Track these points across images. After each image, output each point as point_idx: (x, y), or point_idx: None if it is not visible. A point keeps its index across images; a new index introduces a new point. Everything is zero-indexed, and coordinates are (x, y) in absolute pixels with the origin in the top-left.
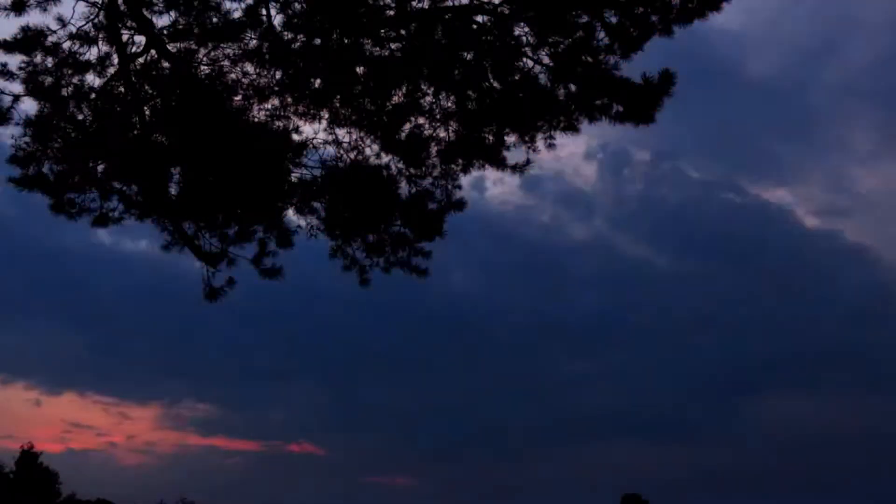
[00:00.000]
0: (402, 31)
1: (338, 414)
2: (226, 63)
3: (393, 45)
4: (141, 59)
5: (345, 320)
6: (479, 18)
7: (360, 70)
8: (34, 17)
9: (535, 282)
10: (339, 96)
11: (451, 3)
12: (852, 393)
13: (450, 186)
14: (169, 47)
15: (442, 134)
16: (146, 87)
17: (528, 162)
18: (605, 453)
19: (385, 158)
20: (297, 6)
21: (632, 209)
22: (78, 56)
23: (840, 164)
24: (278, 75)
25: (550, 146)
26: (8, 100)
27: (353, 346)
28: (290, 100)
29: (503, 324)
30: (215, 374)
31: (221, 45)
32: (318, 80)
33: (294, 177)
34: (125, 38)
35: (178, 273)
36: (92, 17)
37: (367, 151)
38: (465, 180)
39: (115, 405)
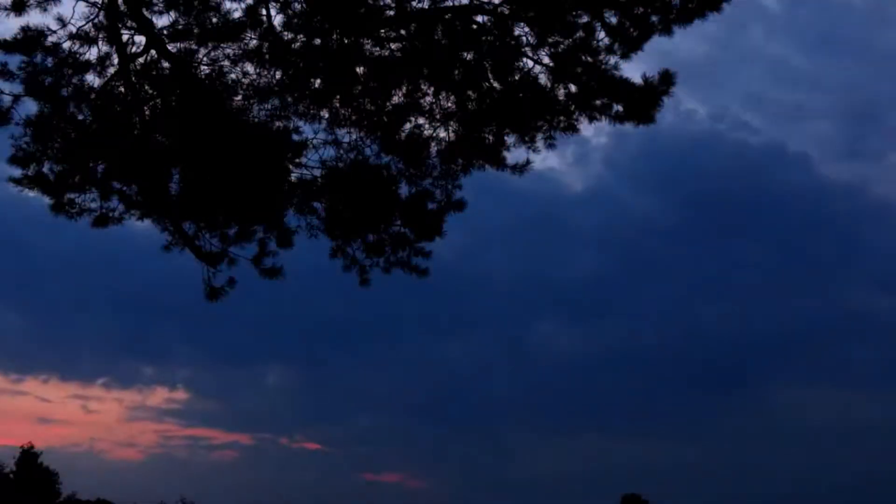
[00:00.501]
0: (402, 31)
1: (323, 402)
2: (226, 63)
3: (393, 45)
4: (141, 59)
5: (314, 293)
6: (479, 18)
7: (360, 70)
8: (34, 17)
9: (527, 240)
10: (339, 96)
11: (451, 3)
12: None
13: (450, 186)
14: (169, 47)
15: (442, 134)
16: (146, 87)
17: (528, 162)
18: (605, 448)
19: (385, 158)
20: (297, 6)
21: (630, 154)
22: (78, 56)
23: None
24: (278, 75)
25: (550, 146)
26: (8, 100)
27: (325, 321)
28: (290, 100)
29: (491, 290)
30: (182, 358)
31: (221, 45)
32: (318, 80)
33: (294, 177)
34: (125, 38)
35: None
36: (92, 17)
37: (367, 151)
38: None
39: (81, 395)
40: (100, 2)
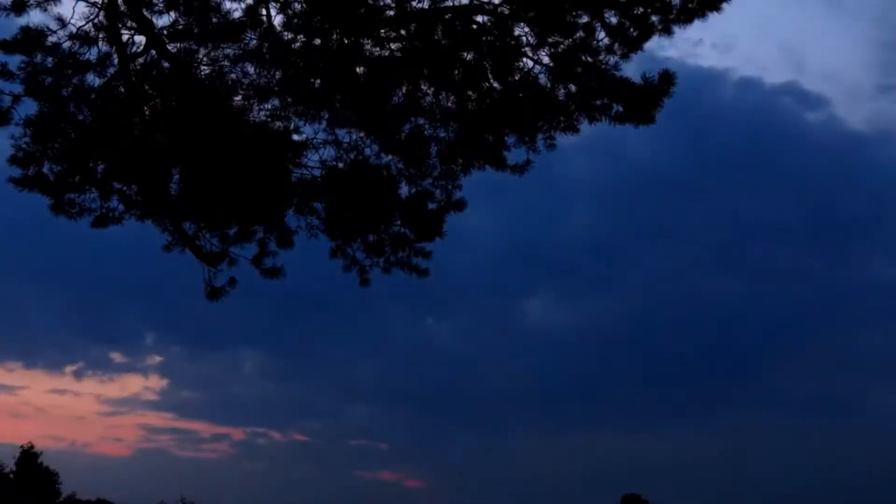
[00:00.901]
0: (402, 31)
1: (314, 394)
2: (226, 63)
3: (393, 45)
4: (141, 59)
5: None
6: (479, 18)
7: (360, 70)
8: (34, 17)
9: (513, 193)
10: (339, 96)
11: (451, 3)
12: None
13: (450, 186)
14: (169, 47)
15: (442, 134)
16: (146, 87)
17: (528, 162)
18: (605, 446)
19: (385, 158)
20: (297, 6)
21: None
22: (78, 56)
23: None
24: (278, 75)
25: (550, 146)
26: (8, 100)
27: (305, 301)
28: (290, 100)
29: (480, 258)
30: (150, 342)
31: (221, 45)
32: (318, 80)
33: (294, 177)
34: (125, 38)
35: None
36: (92, 17)
37: (367, 151)
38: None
39: (52, 386)
40: (100, 2)
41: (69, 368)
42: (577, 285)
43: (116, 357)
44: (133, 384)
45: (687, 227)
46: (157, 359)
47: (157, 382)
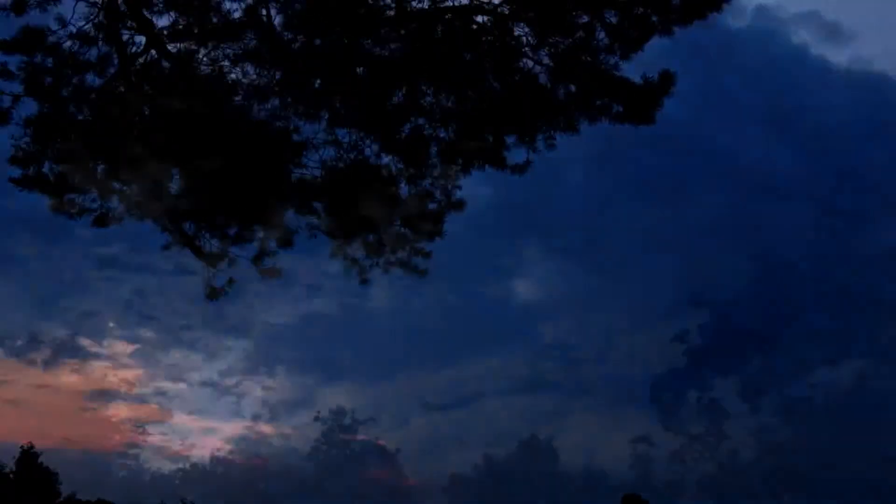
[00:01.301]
0: (402, 31)
1: (305, 383)
2: (226, 63)
3: (393, 45)
4: (141, 59)
5: None
6: (479, 18)
7: (360, 70)
8: (34, 17)
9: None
10: (339, 96)
11: (451, 3)
12: None
13: (450, 186)
14: (169, 47)
15: (442, 134)
16: (146, 87)
17: (528, 162)
18: (606, 442)
19: (385, 158)
20: (297, 6)
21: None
22: (78, 56)
23: None
24: (278, 75)
25: (550, 146)
26: (8, 100)
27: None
28: (290, 100)
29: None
30: (114, 325)
31: (221, 45)
32: (318, 80)
33: (294, 177)
34: (125, 38)
35: None
36: (92, 17)
37: (367, 151)
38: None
39: (23, 379)
40: (100, 2)
41: (36, 356)
42: (565, 265)
43: (88, 344)
44: (112, 376)
45: (689, 187)
46: (123, 344)
47: (132, 372)
